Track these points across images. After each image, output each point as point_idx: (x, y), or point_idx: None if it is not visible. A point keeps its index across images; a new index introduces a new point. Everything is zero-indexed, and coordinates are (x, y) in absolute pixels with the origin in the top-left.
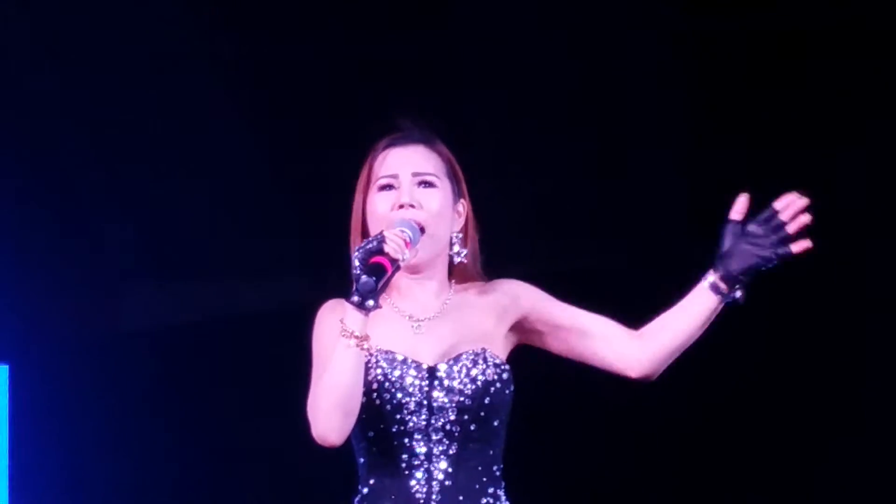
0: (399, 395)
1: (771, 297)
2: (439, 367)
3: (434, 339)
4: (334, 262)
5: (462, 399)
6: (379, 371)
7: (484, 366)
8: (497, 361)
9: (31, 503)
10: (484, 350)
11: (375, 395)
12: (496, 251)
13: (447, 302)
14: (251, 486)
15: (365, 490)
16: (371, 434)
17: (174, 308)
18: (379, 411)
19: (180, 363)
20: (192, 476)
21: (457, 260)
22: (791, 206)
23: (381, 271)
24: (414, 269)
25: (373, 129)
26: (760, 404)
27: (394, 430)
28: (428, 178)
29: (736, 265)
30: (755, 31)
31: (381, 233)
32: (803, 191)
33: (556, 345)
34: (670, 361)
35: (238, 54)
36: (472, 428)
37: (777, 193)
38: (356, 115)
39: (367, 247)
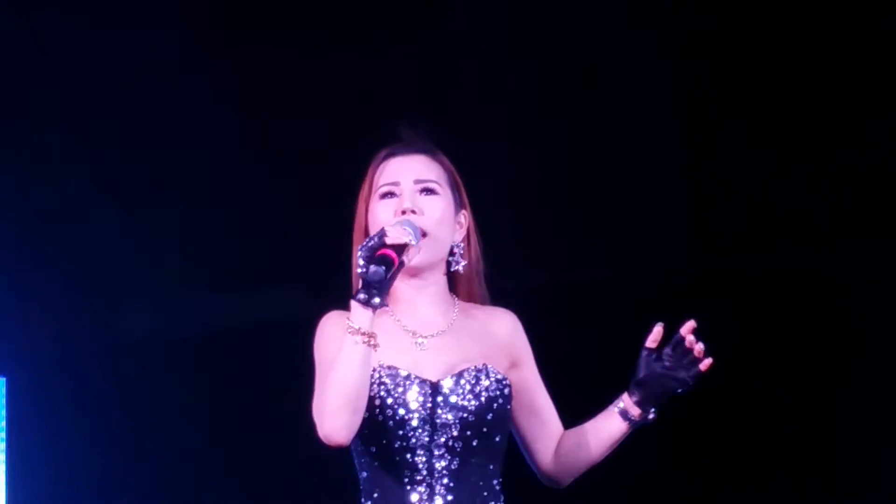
0: (402, 412)
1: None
2: (443, 383)
3: (437, 355)
4: (334, 275)
5: (465, 415)
6: (382, 387)
7: (487, 381)
8: (499, 377)
9: None
10: (486, 365)
11: (378, 410)
12: (495, 261)
13: (453, 321)
14: (252, 498)
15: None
16: (374, 449)
17: (172, 320)
18: (382, 427)
19: (178, 376)
20: (192, 489)
21: (454, 267)
22: (690, 331)
23: (389, 262)
24: (413, 273)
25: (375, 139)
26: (766, 414)
27: (396, 445)
28: (429, 185)
29: (654, 390)
30: (756, 36)
31: (381, 229)
32: (807, 195)
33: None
34: (580, 474)
35: (239, 65)
36: (475, 443)
37: (780, 203)
38: (356, 127)
39: (370, 243)
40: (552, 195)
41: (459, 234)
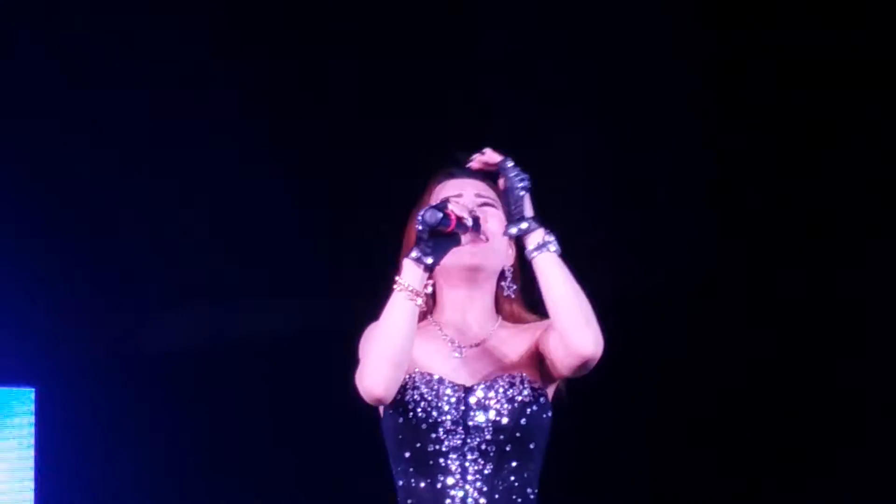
0: (435, 414)
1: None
2: (476, 387)
3: (473, 363)
4: (357, 286)
5: (498, 419)
6: (416, 391)
7: (521, 387)
8: (535, 385)
9: None
10: (522, 374)
11: (412, 413)
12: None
13: (492, 333)
14: None
15: None
16: (408, 454)
17: (197, 331)
18: (415, 430)
19: (204, 386)
20: (219, 498)
21: (506, 293)
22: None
23: (447, 216)
24: (467, 276)
25: (411, 155)
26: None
27: (430, 449)
28: (489, 201)
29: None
30: (779, 56)
31: (446, 199)
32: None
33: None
34: (580, 324)
35: (271, 76)
36: (508, 448)
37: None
38: (379, 140)
39: (432, 205)
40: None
41: (509, 259)
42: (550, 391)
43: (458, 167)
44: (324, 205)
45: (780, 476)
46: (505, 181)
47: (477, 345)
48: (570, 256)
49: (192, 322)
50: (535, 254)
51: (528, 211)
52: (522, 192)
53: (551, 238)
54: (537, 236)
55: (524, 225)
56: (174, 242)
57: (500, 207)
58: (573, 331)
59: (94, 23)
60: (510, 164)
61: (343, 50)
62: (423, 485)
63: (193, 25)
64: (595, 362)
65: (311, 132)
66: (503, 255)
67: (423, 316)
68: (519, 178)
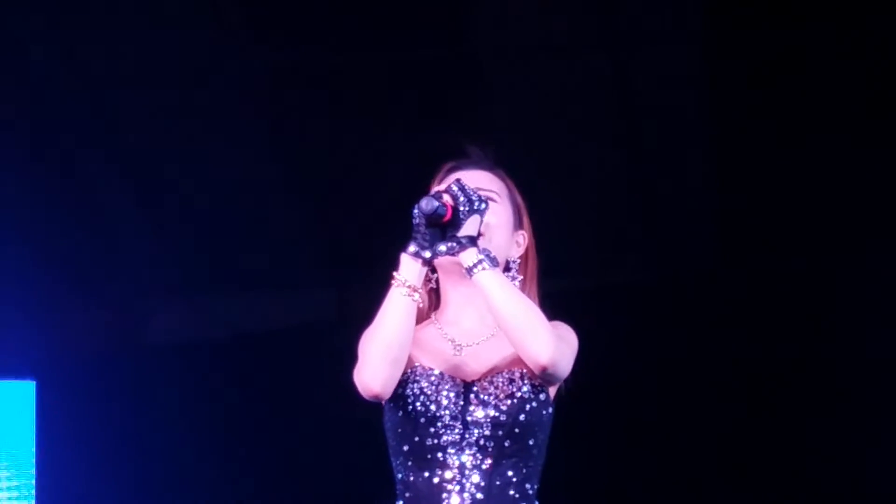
0: (433, 408)
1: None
2: (476, 383)
3: (474, 360)
4: (359, 279)
5: (497, 414)
6: (416, 385)
7: (521, 383)
8: (535, 382)
9: None
10: (522, 370)
11: (411, 407)
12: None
13: (495, 332)
14: (279, 498)
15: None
16: (406, 448)
17: (198, 323)
18: (414, 424)
19: (205, 378)
20: (219, 489)
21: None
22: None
23: (442, 204)
24: (465, 275)
25: (407, 144)
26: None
27: (428, 443)
28: (489, 194)
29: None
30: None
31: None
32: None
33: None
34: (526, 338)
35: (269, 67)
36: (506, 444)
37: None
38: (385, 132)
39: (428, 194)
40: (585, 202)
41: (516, 252)
42: (552, 388)
43: (464, 158)
44: (328, 198)
45: (780, 475)
46: (454, 202)
47: (478, 343)
48: (580, 251)
49: (197, 313)
50: (471, 273)
51: (466, 231)
52: (463, 216)
53: (482, 256)
54: (470, 256)
55: (451, 244)
56: (177, 235)
57: (505, 201)
58: (521, 344)
59: (95, 21)
60: (456, 188)
61: (346, 43)
62: (421, 479)
63: (192, 19)
64: (558, 369)
65: (313, 126)
66: (504, 249)
67: (427, 314)
68: (466, 201)
